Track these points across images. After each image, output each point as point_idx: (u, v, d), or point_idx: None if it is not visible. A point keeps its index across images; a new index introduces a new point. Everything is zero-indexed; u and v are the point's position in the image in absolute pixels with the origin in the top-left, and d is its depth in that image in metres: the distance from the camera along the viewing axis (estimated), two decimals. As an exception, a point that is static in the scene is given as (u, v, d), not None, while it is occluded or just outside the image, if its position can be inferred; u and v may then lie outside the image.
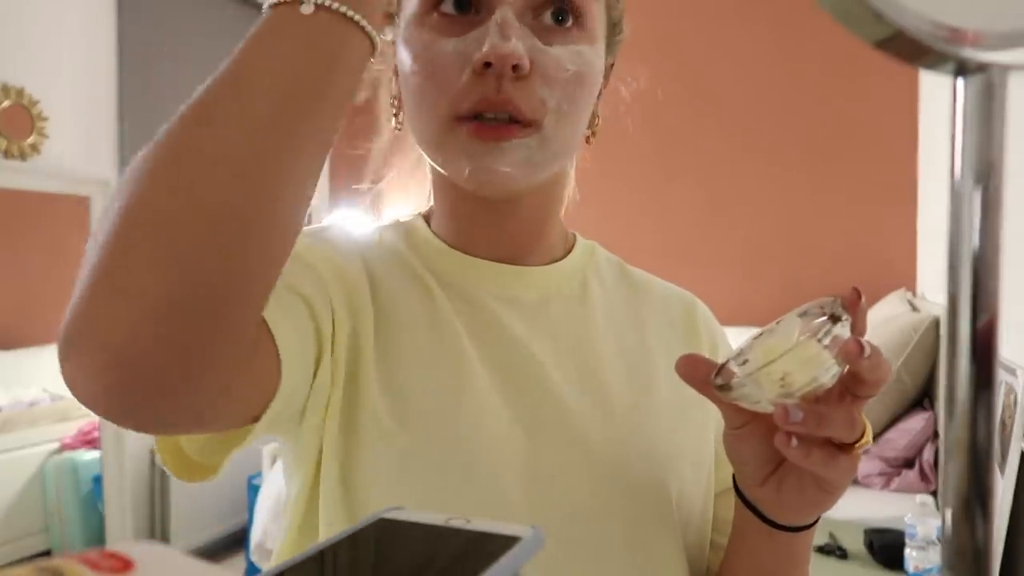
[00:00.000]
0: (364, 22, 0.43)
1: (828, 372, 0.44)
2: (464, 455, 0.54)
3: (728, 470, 0.59)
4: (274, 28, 0.42)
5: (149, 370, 0.37)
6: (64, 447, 2.88)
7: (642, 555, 0.58)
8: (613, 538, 0.57)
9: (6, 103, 2.68)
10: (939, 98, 2.69)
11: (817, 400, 0.46)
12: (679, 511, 0.59)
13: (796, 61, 3.42)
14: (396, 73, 0.63)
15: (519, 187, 0.58)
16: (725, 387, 0.46)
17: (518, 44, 0.53)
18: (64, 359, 0.38)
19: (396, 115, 0.64)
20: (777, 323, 0.50)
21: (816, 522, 0.56)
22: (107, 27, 3.11)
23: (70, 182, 2.88)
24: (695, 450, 0.63)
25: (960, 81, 0.25)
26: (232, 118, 0.39)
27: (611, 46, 0.65)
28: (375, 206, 0.74)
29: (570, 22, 0.57)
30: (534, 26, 0.56)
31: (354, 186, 0.76)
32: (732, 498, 0.59)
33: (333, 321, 0.54)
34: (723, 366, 0.49)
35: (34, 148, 2.78)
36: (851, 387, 0.46)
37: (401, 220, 0.67)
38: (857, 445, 0.47)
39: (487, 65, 0.53)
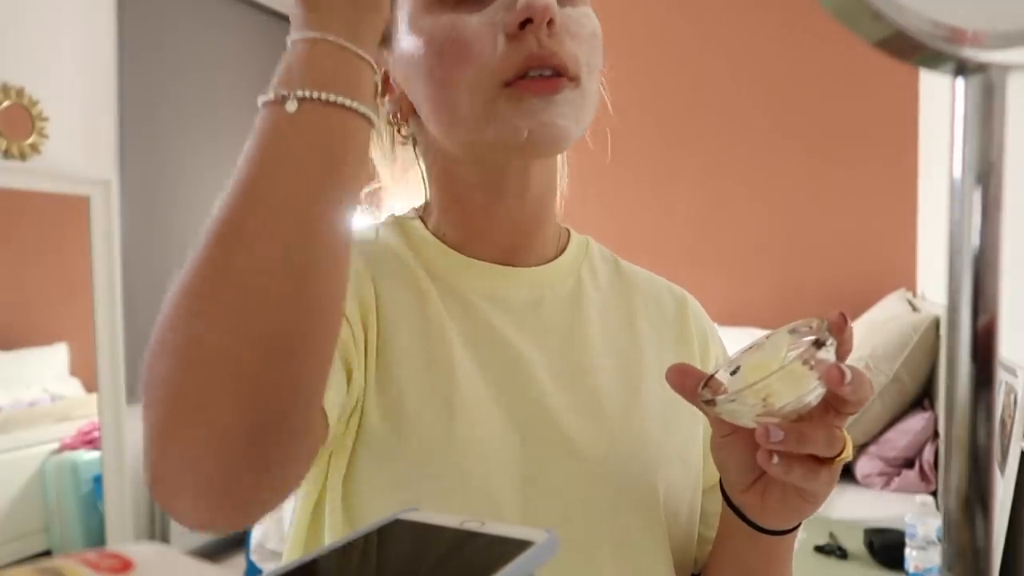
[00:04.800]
0: (350, 102, 0.43)
1: (812, 393, 0.46)
2: (457, 461, 0.55)
3: (712, 469, 0.60)
4: (271, 131, 0.43)
5: (241, 488, 0.40)
6: (64, 447, 2.88)
7: (630, 554, 0.58)
8: (602, 539, 0.57)
9: (6, 103, 2.68)
10: (939, 98, 2.69)
11: (800, 417, 0.47)
12: (666, 508, 0.60)
13: (796, 61, 3.42)
14: (390, 89, 0.63)
15: (568, 143, 0.58)
16: (710, 402, 0.47)
17: None
18: (159, 494, 0.40)
19: (399, 129, 0.64)
20: (767, 337, 0.51)
21: (799, 526, 0.57)
22: (107, 27, 3.11)
23: (70, 182, 2.88)
24: (684, 447, 0.63)
25: (960, 81, 0.25)
26: (260, 237, 0.40)
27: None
28: (374, 205, 0.73)
29: None
30: None
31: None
32: (714, 497, 0.61)
33: (353, 337, 0.55)
34: (712, 376, 0.51)
35: (34, 148, 2.78)
36: (834, 405, 0.47)
37: (397, 216, 0.67)
38: (837, 459, 0.48)
39: (523, 25, 0.53)
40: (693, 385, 0.51)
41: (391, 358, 0.56)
